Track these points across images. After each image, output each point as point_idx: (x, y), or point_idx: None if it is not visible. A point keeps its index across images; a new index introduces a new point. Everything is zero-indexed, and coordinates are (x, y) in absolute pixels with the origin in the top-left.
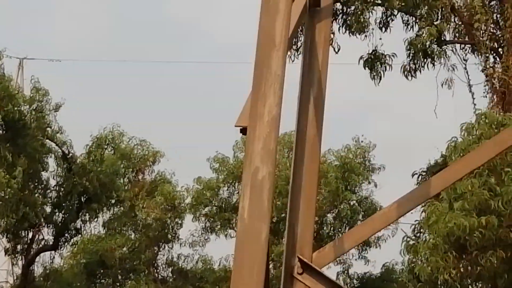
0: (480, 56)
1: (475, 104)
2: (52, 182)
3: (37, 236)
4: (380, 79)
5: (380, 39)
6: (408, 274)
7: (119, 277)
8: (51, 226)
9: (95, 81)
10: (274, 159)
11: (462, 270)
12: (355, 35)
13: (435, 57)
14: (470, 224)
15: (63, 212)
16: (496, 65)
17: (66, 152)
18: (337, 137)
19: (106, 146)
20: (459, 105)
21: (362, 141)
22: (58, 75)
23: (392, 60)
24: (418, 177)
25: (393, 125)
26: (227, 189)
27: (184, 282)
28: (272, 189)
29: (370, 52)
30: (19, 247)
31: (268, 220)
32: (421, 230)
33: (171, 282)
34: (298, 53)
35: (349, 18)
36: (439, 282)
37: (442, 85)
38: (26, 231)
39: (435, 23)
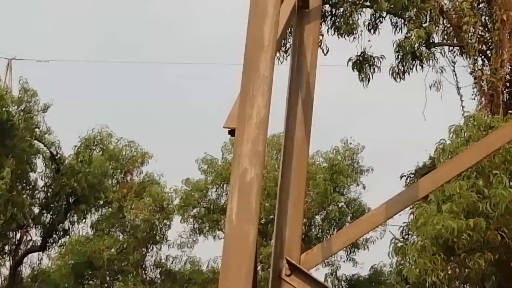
0: (468, 59)
1: (463, 107)
2: (40, 183)
3: (25, 237)
4: (369, 81)
5: (369, 41)
6: (396, 276)
7: (107, 278)
8: (39, 227)
9: (83, 82)
10: (262, 161)
11: (450, 272)
12: (344, 37)
13: (424, 59)
14: (458, 227)
15: (51, 213)
16: (484, 68)
17: (55, 153)
18: (326, 138)
19: (94, 147)
20: (448, 107)
21: (350, 143)
22: (46, 76)
23: (380, 62)
24: (407, 179)
25: (382, 127)
26: (216, 191)
27: (172, 283)
28: (260, 190)
29: (358, 54)
30: (6, 248)
31: (256, 221)
32: (409, 232)
33: (159, 283)
34: (287, 54)
35: (337, 20)
36: (427, 284)
37: (430, 87)
38: (14, 232)
39: (424, 25)
